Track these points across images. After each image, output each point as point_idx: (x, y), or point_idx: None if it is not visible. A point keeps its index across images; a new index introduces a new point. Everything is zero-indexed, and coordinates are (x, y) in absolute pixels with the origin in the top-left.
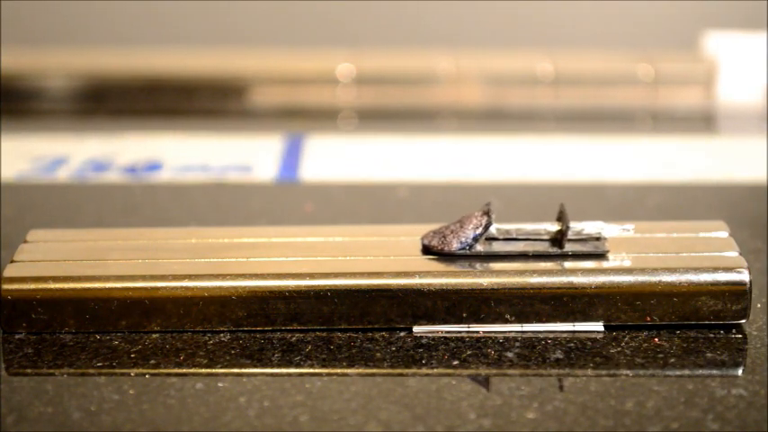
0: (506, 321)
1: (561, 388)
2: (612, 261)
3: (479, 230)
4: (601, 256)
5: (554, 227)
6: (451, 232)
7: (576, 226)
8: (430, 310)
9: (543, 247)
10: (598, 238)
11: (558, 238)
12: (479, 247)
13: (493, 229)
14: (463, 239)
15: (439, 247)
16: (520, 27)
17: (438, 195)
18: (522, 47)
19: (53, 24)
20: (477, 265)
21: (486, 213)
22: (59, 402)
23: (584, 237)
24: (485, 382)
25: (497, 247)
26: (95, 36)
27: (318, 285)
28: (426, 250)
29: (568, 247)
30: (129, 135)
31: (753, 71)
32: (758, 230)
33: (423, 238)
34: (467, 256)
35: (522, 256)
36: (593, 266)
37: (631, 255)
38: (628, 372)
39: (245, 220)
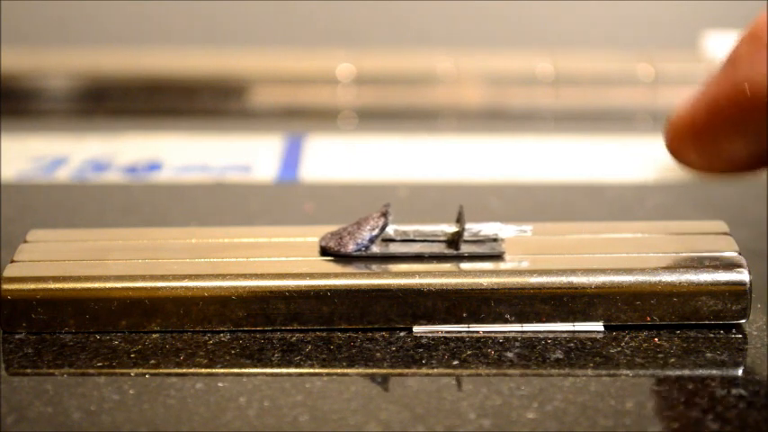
0: (506, 321)
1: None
2: (509, 262)
3: (375, 232)
4: (497, 257)
5: (451, 228)
6: (349, 234)
7: (472, 227)
8: (430, 310)
9: (440, 248)
10: (495, 240)
11: (454, 240)
12: (375, 249)
13: (390, 231)
14: (359, 241)
15: (335, 249)
16: (520, 27)
17: (438, 195)
18: (522, 47)
19: (53, 24)
20: (374, 267)
21: (384, 215)
22: (59, 402)
23: (481, 238)
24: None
25: (394, 248)
26: (95, 36)
27: (318, 285)
28: (323, 251)
29: (465, 249)
30: (129, 135)
31: None
32: (758, 230)
33: (320, 240)
34: (363, 258)
35: (418, 258)
36: (491, 268)
37: (529, 256)
38: (628, 372)
39: (245, 220)
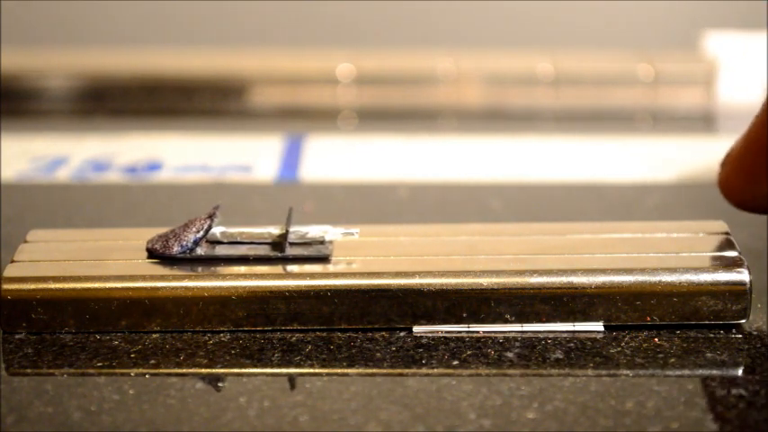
0: (506, 321)
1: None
2: (335, 265)
3: (200, 234)
4: (323, 259)
5: (278, 230)
6: (175, 236)
7: (299, 230)
8: (430, 310)
9: (265, 250)
10: (322, 242)
11: (280, 242)
12: (200, 251)
13: (217, 233)
14: (184, 243)
15: (160, 251)
16: (520, 27)
17: (438, 195)
18: (522, 47)
19: (53, 24)
20: (200, 269)
21: (210, 216)
22: (59, 402)
23: (307, 240)
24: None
25: (220, 250)
26: (95, 36)
27: (318, 285)
28: (150, 254)
29: (291, 251)
30: (129, 135)
31: (753, 71)
32: (758, 230)
33: (148, 242)
34: (188, 260)
35: (243, 260)
36: (315, 271)
37: (356, 258)
38: (628, 372)
39: (245, 220)
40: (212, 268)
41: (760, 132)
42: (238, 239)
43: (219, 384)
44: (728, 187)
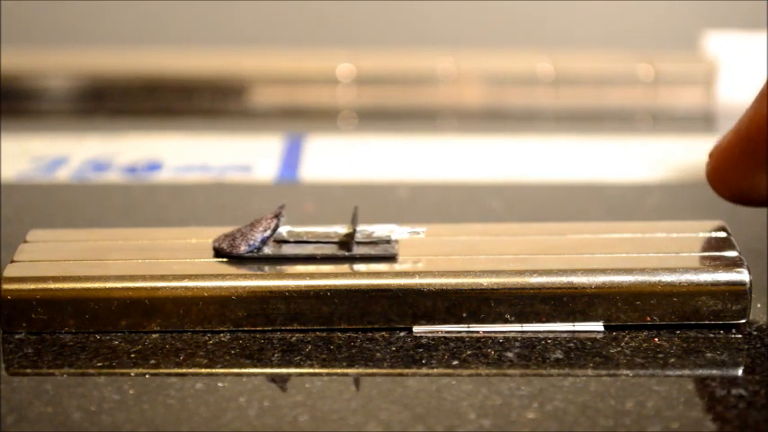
0: (506, 321)
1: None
2: (402, 264)
3: (267, 233)
4: (390, 258)
5: (344, 230)
6: (241, 235)
7: (365, 229)
8: (430, 310)
9: (332, 249)
10: (388, 241)
11: (347, 241)
12: (267, 250)
13: (284, 232)
14: (251, 242)
15: (227, 250)
16: (520, 27)
17: (438, 195)
18: (522, 47)
19: (53, 24)
20: (267, 268)
21: (277, 216)
22: (59, 402)
23: (374, 239)
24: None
25: (286, 249)
26: (95, 36)
27: (318, 285)
28: (217, 253)
29: (357, 250)
30: (129, 135)
31: (753, 71)
32: (758, 230)
33: (214, 241)
34: (255, 259)
35: (310, 259)
36: (382, 269)
37: (422, 257)
38: (628, 372)
39: (245, 220)
40: (279, 267)
41: (751, 125)
42: (305, 239)
43: (220, 384)
44: (717, 179)
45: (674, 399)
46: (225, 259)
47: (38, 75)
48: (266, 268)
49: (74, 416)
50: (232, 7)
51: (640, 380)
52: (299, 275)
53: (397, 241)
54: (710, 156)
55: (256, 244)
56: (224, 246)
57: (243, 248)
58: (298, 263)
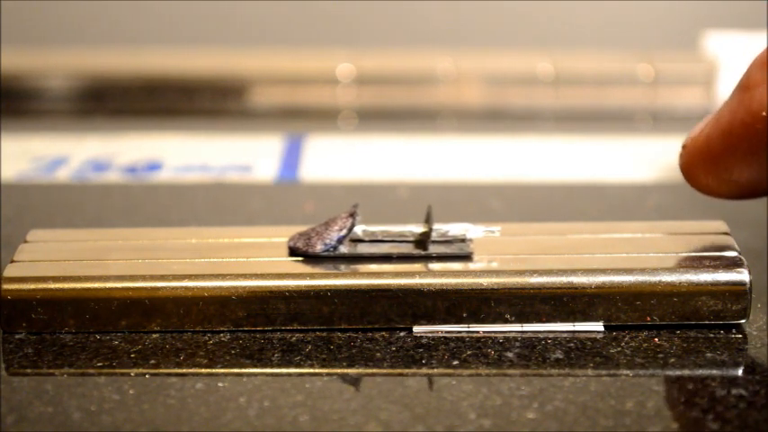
0: (506, 321)
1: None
2: (477, 263)
3: (343, 232)
4: (465, 257)
5: (419, 228)
6: (317, 234)
7: (440, 228)
8: (430, 310)
9: (408, 248)
10: (463, 240)
11: (422, 240)
12: (343, 249)
13: (359, 231)
14: (327, 241)
15: (303, 249)
16: (520, 27)
17: (438, 195)
18: (522, 47)
19: (53, 24)
20: (342, 267)
21: (352, 215)
22: (59, 402)
23: (449, 238)
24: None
25: (362, 248)
26: (95, 36)
27: (318, 285)
28: (292, 252)
29: (433, 249)
30: (129, 135)
31: None
32: (758, 230)
33: (289, 240)
34: (331, 258)
35: (387, 258)
36: (460, 268)
37: (497, 256)
38: (628, 372)
39: (245, 220)
40: (355, 266)
41: (734, 118)
42: (380, 238)
43: (220, 384)
44: (692, 171)
45: (674, 399)
46: (299, 258)
47: (38, 75)
48: (342, 267)
49: (74, 416)
50: (232, 7)
51: (640, 380)
52: (300, 275)
53: (471, 240)
54: (684, 147)
55: (332, 243)
56: (299, 245)
57: (319, 248)
58: (374, 262)
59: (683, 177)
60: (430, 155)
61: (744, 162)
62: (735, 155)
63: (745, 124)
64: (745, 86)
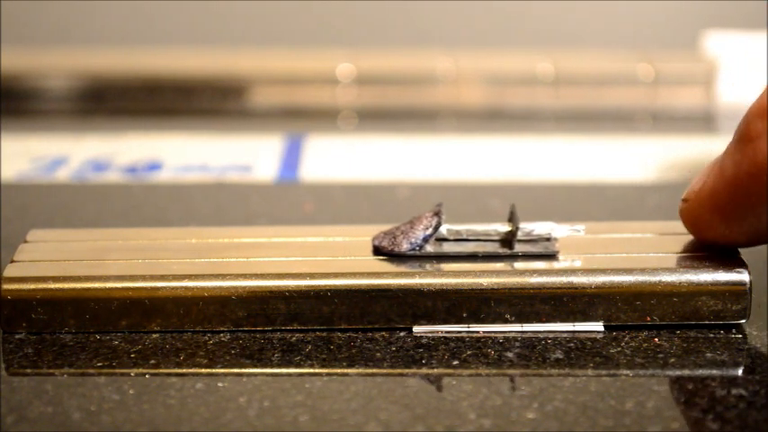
0: (506, 321)
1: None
2: (562, 262)
3: (429, 231)
4: (551, 256)
5: (504, 228)
6: (402, 233)
7: (525, 227)
8: (430, 310)
9: (493, 247)
10: (548, 239)
11: (507, 239)
12: (429, 248)
13: (443, 230)
14: (413, 240)
15: (389, 248)
16: (520, 27)
17: (438, 195)
18: (522, 47)
19: (53, 24)
20: (428, 266)
21: (437, 214)
22: (59, 402)
23: (534, 237)
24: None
25: (447, 247)
26: (95, 36)
27: (318, 285)
28: (377, 251)
29: (518, 248)
30: (129, 135)
31: (753, 71)
32: None
33: (374, 239)
34: (417, 257)
35: (472, 257)
36: (548, 267)
37: (582, 255)
38: (628, 372)
39: (245, 220)
40: (441, 265)
41: (739, 170)
42: (465, 237)
43: (220, 384)
44: (697, 224)
45: (674, 399)
46: (385, 257)
47: (38, 75)
48: (427, 266)
49: (74, 416)
50: (232, 7)
51: (640, 380)
52: (300, 275)
53: (557, 239)
54: (686, 200)
55: (418, 242)
56: (385, 244)
57: (405, 247)
58: (460, 261)
59: (694, 234)
60: (430, 155)
61: (753, 212)
62: (744, 206)
63: (751, 175)
64: (746, 138)
